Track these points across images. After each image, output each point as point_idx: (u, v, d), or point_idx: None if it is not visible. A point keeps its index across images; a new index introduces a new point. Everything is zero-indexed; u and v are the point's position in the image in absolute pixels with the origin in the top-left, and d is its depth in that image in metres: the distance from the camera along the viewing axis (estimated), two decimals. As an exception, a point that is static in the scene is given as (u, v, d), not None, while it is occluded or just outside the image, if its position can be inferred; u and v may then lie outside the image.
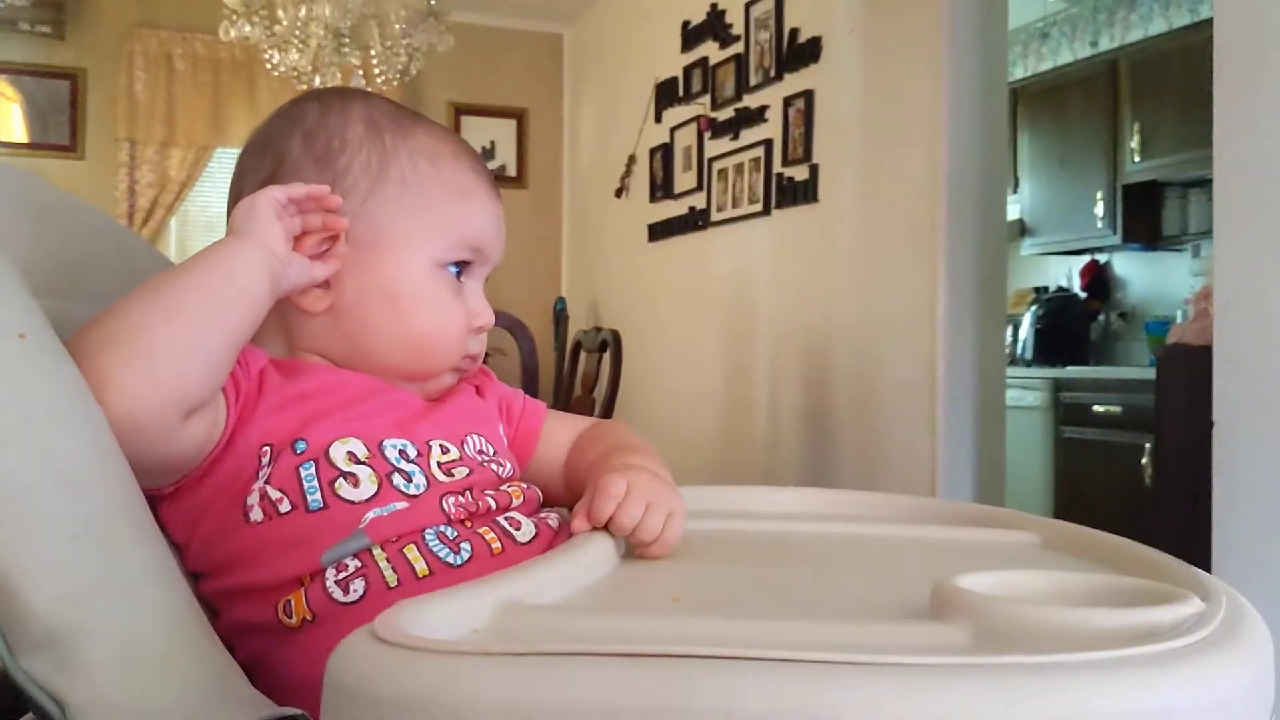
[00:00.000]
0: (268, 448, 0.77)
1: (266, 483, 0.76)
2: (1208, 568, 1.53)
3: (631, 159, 4.89)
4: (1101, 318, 5.19)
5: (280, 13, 3.75)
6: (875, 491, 1.02)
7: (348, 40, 3.80)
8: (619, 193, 4.99)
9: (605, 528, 0.73)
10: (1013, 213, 5.02)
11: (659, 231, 4.61)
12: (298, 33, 3.75)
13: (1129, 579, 0.58)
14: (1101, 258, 5.19)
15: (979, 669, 0.43)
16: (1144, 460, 3.98)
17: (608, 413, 2.98)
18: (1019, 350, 5.17)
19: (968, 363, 2.85)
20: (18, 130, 4.91)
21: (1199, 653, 0.46)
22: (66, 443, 0.60)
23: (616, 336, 3.12)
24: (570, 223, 5.85)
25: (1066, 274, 5.36)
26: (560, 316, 5.37)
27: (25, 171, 0.84)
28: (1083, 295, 5.19)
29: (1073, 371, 4.66)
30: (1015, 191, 5.15)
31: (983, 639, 0.49)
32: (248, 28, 3.70)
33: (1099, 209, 4.79)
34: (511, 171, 5.73)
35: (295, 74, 3.84)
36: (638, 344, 4.13)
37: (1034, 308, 5.17)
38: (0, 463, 0.57)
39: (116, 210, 4.89)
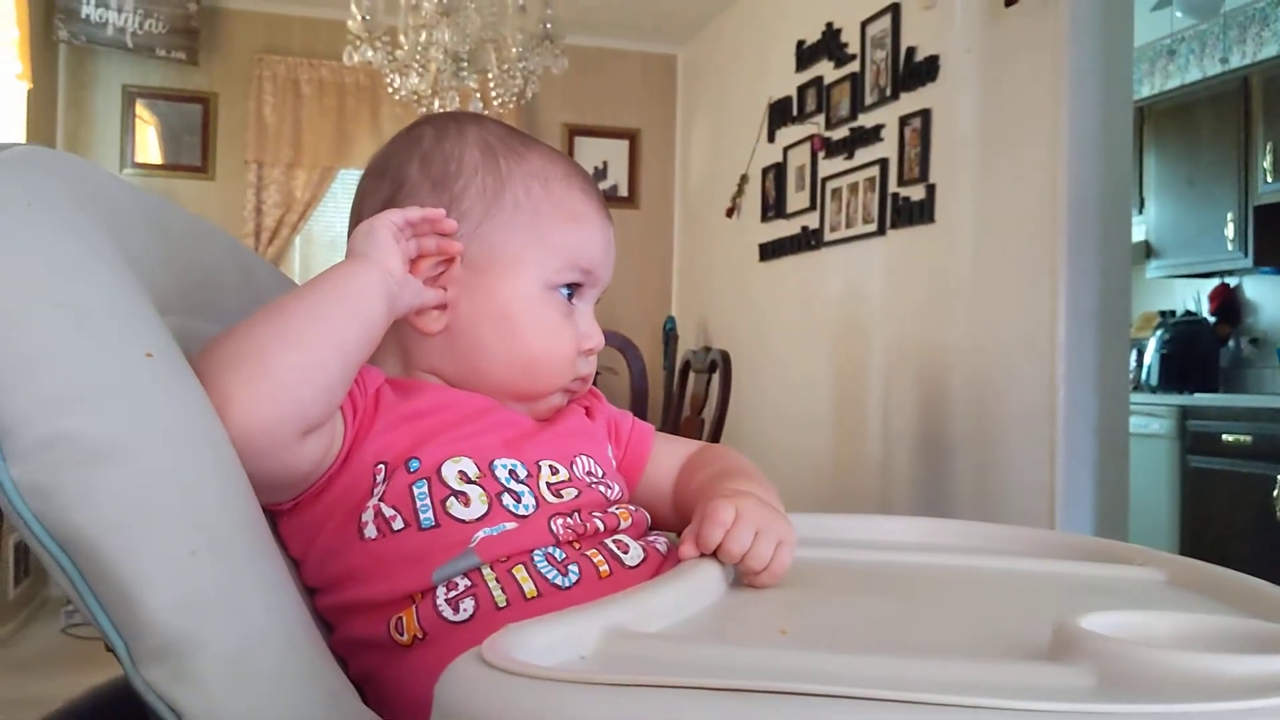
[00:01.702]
0: (382, 465, 0.78)
1: (381, 500, 0.77)
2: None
3: (743, 179, 4.88)
4: (1231, 343, 4.99)
5: (401, 38, 3.85)
6: (991, 522, 0.99)
7: (466, 64, 3.87)
8: (730, 212, 4.98)
9: (714, 554, 0.73)
10: (1138, 234, 4.87)
11: (770, 251, 4.58)
12: (418, 57, 3.84)
13: (1261, 622, 0.55)
14: (1232, 281, 5.00)
15: (1102, 717, 0.41)
16: (1275, 492, 3.81)
17: (716, 434, 2.97)
18: (1144, 376, 5.00)
19: (1089, 389, 2.77)
20: (153, 152, 5.13)
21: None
22: (189, 458, 0.62)
23: (726, 357, 3.11)
24: (681, 242, 5.86)
25: (1195, 297, 5.17)
26: (670, 336, 5.37)
27: (156, 195, 0.87)
28: (1212, 320, 5.00)
29: (1201, 399, 4.48)
30: (1141, 212, 4.99)
31: (1106, 684, 0.47)
32: (370, 53, 3.80)
33: (1229, 230, 4.61)
34: (623, 192, 5.77)
35: (415, 97, 3.94)
36: (747, 364, 4.11)
37: (1160, 332, 5.00)
38: (125, 477, 0.59)
39: (243, 229, 5.06)
